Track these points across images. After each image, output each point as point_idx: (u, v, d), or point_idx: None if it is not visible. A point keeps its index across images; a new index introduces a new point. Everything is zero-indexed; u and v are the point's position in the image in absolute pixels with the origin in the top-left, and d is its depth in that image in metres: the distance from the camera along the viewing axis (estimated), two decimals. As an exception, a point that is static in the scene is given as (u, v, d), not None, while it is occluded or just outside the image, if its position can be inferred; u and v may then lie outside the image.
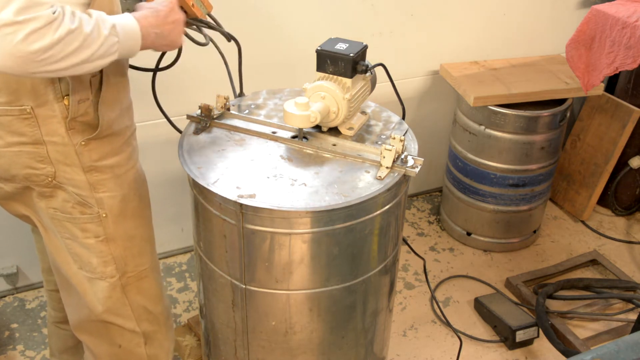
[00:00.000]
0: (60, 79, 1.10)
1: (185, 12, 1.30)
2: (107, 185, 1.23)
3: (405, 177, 1.35)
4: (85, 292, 1.31)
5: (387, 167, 1.31)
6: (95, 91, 1.17)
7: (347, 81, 1.39)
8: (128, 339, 1.39)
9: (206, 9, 1.37)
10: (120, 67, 1.22)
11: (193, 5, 1.30)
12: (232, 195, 1.23)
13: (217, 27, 1.41)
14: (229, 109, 1.53)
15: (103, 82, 1.17)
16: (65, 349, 1.72)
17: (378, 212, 1.32)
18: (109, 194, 1.24)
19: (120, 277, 1.31)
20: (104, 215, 1.24)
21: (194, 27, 1.39)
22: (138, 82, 2.02)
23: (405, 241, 1.61)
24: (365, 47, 1.41)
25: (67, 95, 1.12)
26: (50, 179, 1.17)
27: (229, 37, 1.45)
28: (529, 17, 2.58)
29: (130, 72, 1.95)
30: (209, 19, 1.40)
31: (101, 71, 1.15)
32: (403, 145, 1.33)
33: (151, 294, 1.39)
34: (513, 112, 2.24)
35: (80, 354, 1.70)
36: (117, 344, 1.38)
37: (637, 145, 2.64)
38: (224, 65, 2.17)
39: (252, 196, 1.23)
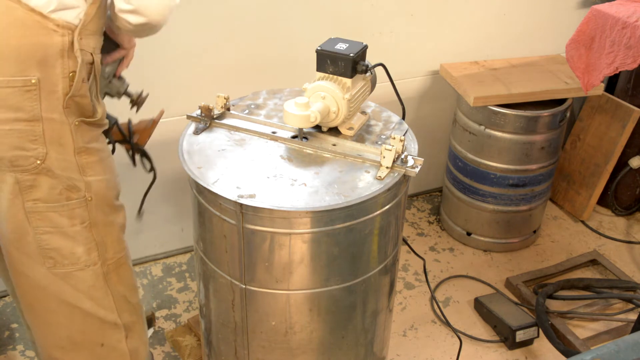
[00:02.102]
0: (69, 55, 1.10)
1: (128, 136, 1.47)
2: (95, 168, 1.21)
3: (405, 177, 1.35)
4: (61, 292, 1.25)
5: (387, 167, 1.31)
6: (91, 80, 1.17)
7: (347, 81, 1.39)
8: (110, 334, 1.34)
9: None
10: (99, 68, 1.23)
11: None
12: (232, 195, 1.23)
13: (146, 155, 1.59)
14: (229, 109, 1.53)
15: (94, 75, 1.18)
16: None
17: (378, 212, 1.32)
18: (96, 178, 1.22)
19: (102, 265, 1.27)
20: (89, 199, 1.21)
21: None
22: (138, 82, 2.02)
23: (405, 241, 1.61)
24: (365, 47, 1.41)
25: (74, 71, 1.11)
26: (39, 162, 1.12)
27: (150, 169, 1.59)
28: (529, 17, 2.58)
29: (129, 72, 1.95)
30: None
31: (92, 64, 1.17)
32: (403, 145, 1.33)
33: (129, 282, 1.36)
34: (513, 112, 2.24)
35: None
36: (99, 343, 1.33)
37: (637, 145, 2.64)
38: (224, 66, 2.18)
39: (252, 196, 1.23)
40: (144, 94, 1.54)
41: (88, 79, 1.15)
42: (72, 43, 1.09)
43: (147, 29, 1.18)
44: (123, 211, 1.36)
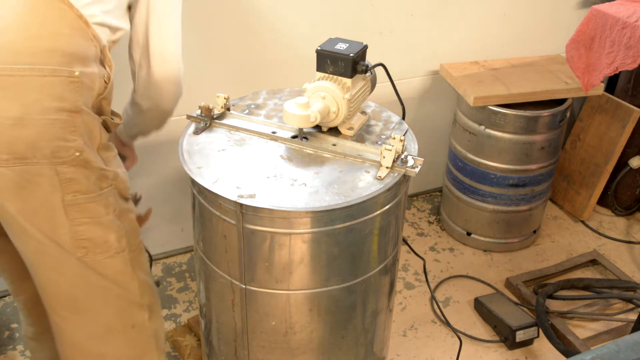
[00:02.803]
0: (102, 62, 1.21)
1: None
2: (113, 162, 1.27)
3: (405, 177, 1.35)
4: (96, 280, 1.27)
5: (387, 167, 1.31)
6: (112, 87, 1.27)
7: (347, 81, 1.39)
8: (138, 316, 1.38)
9: None
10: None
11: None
12: (232, 195, 1.23)
13: None
14: (229, 109, 1.53)
15: (112, 84, 1.29)
16: (56, 357, 1.60)
17: (378, 212, 1.32)
18: (118, 170, 1.28)
19: (128, 251, 1.31)
20: (114, 187, 1.27)
21: None
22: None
23: (405, 241, 1.61)
24: (365, 47, 1.41)
25: (108, 76, 1.22)
26: (78, 153, 1.15)
27: None
28: (529, 17, 2.58)
29: (129, 72, 1.96)
30: None
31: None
32: (403, 145, 1.34)
33: (145, 266, 1.40)
34: (513, 112, 2.24)
35: None
36: (130, 325, 1.36)
37: (637, 145, 2.64)
38: (224, 66, 2.18)
39: (252, 196, 1.23)
40: (138, 195, 1.69)
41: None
42: (101, 55, 1.21)
43: (157, 115, 1.47)
44: (132, 201, 1.42)
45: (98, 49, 1.19)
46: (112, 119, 1.28)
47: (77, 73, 1.13)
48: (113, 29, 1.25)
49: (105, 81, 1.21)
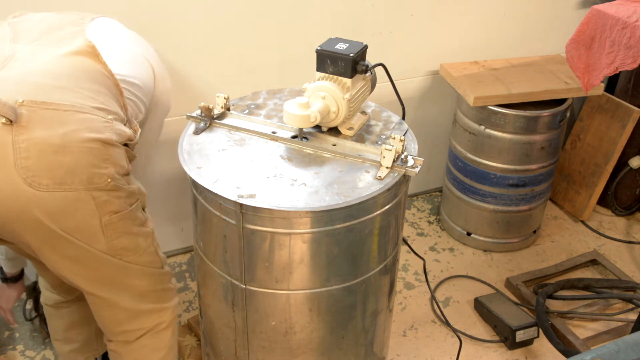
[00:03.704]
0: (131, 125, 1.42)
1: None
2: (133, 181, 1.40)
3: (405, 177, 1.35)
4: (129, 267, 1.39)
5: (387, 167, 1.31)
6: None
7: (347, 81, 1.39)
8: (166, 280, 1.53)
9: None
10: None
11: None
12: (232, 195, 1.23)
13: None
14: (229, 109, 1.53)
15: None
16: (71, 325, 1.77)
17: (378, 212, 1.32)
18: (137, 185, 1.40)
19: (152, 243, 1.46)
20: (139, 202, 1.40)
21: None
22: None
23: (405, 241, 1.61)
24: (365, 47, 1.41)
25: (125, 111, 1.40)
26: (109, 180, 1.26)
27: None
28: (529, 17, 2.58)
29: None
30: None
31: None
32: (403, 145, 1.33)
33: (159, 245, 1.53)
34: (513, 112, 2.24)
35: (89, 325, 1.76)
36: (160, 289, 1.51)
37: (637, 145, 2.64)
38: (224, 66, 2.18)
39: (252, 196, 1.23)
40: None
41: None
42: (129, 122, 1.43)
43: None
44: None
45: (125, 116, 1.38)
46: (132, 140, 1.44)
47: (110, 117, 1.30)
48: (131, 124, 1.45)
49: (134, 131, 1.41)
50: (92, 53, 1.33)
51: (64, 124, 1.20)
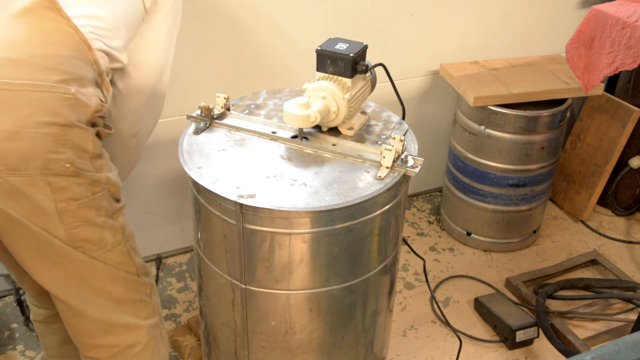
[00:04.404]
0: (98, 84, 1.26)
1: None
2: (106, 167, 1.31)
3: (405, 177, 1.35)
4: (98, 267, 1.33)
5: (387, 167, 1.31)
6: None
7: (347, 81, 1.39)
8: (144, 291, 1.46)
9: None
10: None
11: None
12: (232, 195, 1.23)
13: None
14: (229, 109, 1.53)
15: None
16: (65, 340, 1.69)
17: (378, 212, 1.32)
18: (110, 173, 1.32)
19: (124, 243, 1.38)
20: (107, 190, 1.31)
21: None
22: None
23: (405, 241, 1.61)
24: (365, 47, 1.41)
25: (105, 95, 1.27)
26: (68, 165, 1.20)
27: None
28: (529, 17, 2.58)
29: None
30: None
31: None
32: (403, 145, 1.33)
33: (137, 250, 1.46)
34: (513, 112, 2.24)
35: None
36: (138, 300, 1.44)
37: (637, 145, 2.64)
38: (224, 66, 2.18)
39: (252, 196, 1.23)
40: None
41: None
42: (100, 79, 1.27)
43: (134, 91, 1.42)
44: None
45: (97, 72, 1.24)
46: (105, 129, 1.32)
47: (72, 90, 1.17)
48: (112, 59, 1.30)
49: (102, 100, 1.25)
50: (51, 7, 1.15)
51: (17, 107, 1.12)
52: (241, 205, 1.23)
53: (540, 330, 2.07)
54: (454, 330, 1.90)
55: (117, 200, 1.37)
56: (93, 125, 1.27)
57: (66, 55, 1.17)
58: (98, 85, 1.26)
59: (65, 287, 1.34)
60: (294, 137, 1.43)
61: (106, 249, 1.33)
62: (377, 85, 1.55)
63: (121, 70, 1.37)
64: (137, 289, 1.43)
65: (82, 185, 1.24)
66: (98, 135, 1.30)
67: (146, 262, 2.35)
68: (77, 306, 1.37)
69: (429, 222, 2.73)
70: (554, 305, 2.23)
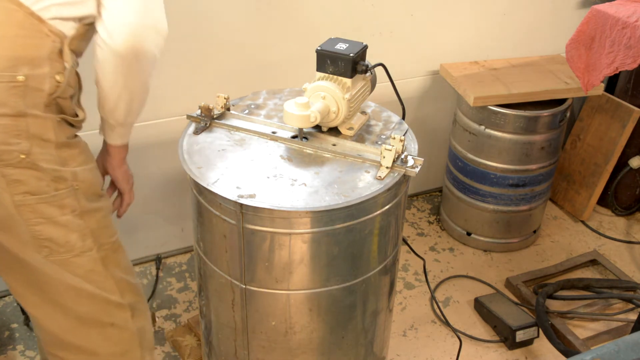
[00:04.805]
0: (57, 57, 1.15)
1: None
2: (78, 159, 1.24)
3: (405, 177, 1.35)
4: (63, 276, 1.27)
5: (387, 167, 1.31)
6: (77, 84, 1.23)
7: (347, 81, 1.39)
8: (117, 314, 1.37)
9: None
10: None
11: None
12: (232, 195, 1.23)
13: None
14: (229, 109, 1.53)
15: (80, 83, 1.25)
16: None
17: (378, 212, 1.32)
18: (81, 167, 1.24)
19: (98, 250, 1.29)
20: (77, 187, 1.23)
21: None
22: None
23: (405, 241, 1.61)
24: (365, 47, 1.41)
25: (61, 73, 1.16)
26: (23, 156, 1.14)
27: None
28: (529, 17, 2.58)
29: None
30: None
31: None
32: (403, 145, 1.33)
33: (125, 265, 1.39)
34: (513, 112, 2.24)
35: None
36: (109, 324, 1.36)
37: (637, 145, 2.64)
38: (224, 66, 2.18)
39: (252, 196, 1.23)
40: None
41: (76, 84, 1.21)
42: (61, 50, 1.15)
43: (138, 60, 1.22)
44: (107, 197, 1.39)
45: (57, 43, 1.14)
46: (76, 115, 1.24)
47: (20, 77, 1.10)
48: (77, 19, 1.17)
49: (57, 80, 1.15)
50: None
51: None
52: (241, 205, 1.23)
53: (540, 330, 2.07)
54: (454, 330, 1.90)
55: (95, 198, 1.29)
56: (60, 110, 1.19)
57: (9, 36, 1.09)
58: (59, 55, 1.16)
59: (25, 295, 1.29)
60: (294, 137, 1.43)
61: (74, 253, 1.26)
62: (377, 85, 1.55)
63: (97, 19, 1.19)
64: (108, 311, 1.33)
65: (42, 180, 1.18)
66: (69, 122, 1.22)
67: (146, 262, 2.37)
68: (35, 315, 1.32)
69: (429, 222, 2.72)
70: (554, 305, 2.23)
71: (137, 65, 1.20)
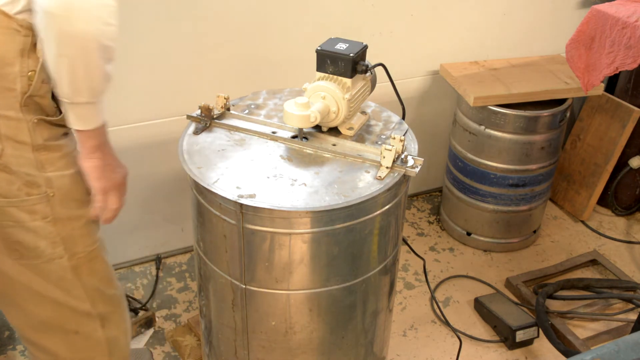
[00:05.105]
0: (30, 54, 1.09)
1: None
2: (57, 164, 1.19)
3: (405, 177, 1.35)
4: (30, 281, 1.25)
5: (387, 167, 1.31)
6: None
7: (347, 81, 1.39)
8: (84, 323, 1.34)
9: None
10: None
11: None
12: (232, 195, 1.23)
13: None
14: (229, 109, 1.53)
15: None
16: None
17: (378, 212, 1.32)
18: (58, 173, 1.19)
19: (69, 258, 1.26)
20: (51, 194, 1.19)
21: None
22: (138, 82, 2.03)
23: (405, 241, 1.61)
24: (365, 47, 1.41)
25: (34, 70, 1.10)
26: None
27: None
28: (529, 17, 2.58)
29: (129, 71, 1.95)
30: None
31: None
32: (403, 145, 1.33)
33: (102, 274, 1.35)
34: (513, 112, 2.24)
35: None
36: (73, 331, 1.33)
37: (637, 145, 2.64)
38: (224, 66, 2.18)
39: (252, 196, 1.23)
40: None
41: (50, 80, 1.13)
42: (34, 44, 1.09)
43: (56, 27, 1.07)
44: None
45: (29, 37, 1.08)
46: (59, 113, 1.18)
47: None
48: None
49: (30, 78, 1.10)
50: None
51: None
52: (241, 205, 1.23)
53: (540, 330, 2.07)
54: (454, 330, 1.90)
55: (76, 206, 1.24)
56: (41, 110, 1.14)
57: None
58: (32, 50, 1.10)
59: None
60: (294, 137, 1.43)
61: (43, 260, 1.23)
62: (377, 85, 1.55)
63: None
64: (73, 318, 1.31)
65: (13, 184, 1.14)
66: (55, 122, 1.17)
67: (146, 262, 2.37)
68: (5, 310, 1.31)
69: (429, 222, 2.72)
70: (554, 305, 2.23)
71: (71, 27, 1.05)
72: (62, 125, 1.19)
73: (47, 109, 1.16)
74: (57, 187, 1.19)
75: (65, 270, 1.26)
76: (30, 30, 1.08)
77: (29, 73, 1.10)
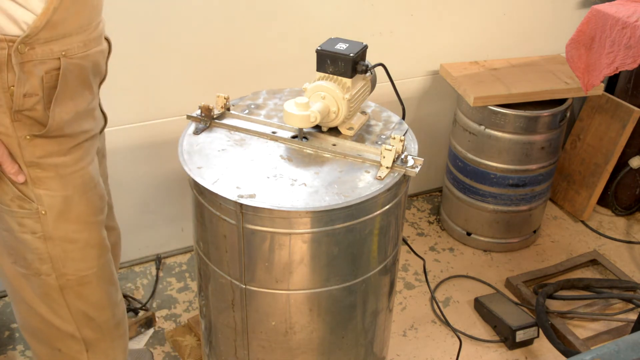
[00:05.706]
0: (8, 68, 1.04)
1: None
2: (49, 183, 1.17)
3: (405, 177, 1.35)
4: (21, 288, 1.26)
5: (387, 167, 1.31)
6: (49, 89, 1.11)
7: (347, 81, 1.39)
8: (67, 344, 1.33)
9: None
10: (82, 72, 1.17)
11: None
12: (232, 195, 1.23)
13: None
14: (229, 109, 1.53)
15: (60, 82, 1.11)
16: None
17: (378, 212, 1.32)
18: (49, 193, 1.18)
19: (57, 278, 1.25)
20: (43, 212, 1.18)
21: None
22: (138, 82, 2.03)
23: (405, 241, 1.61)
24: (365, 47, 1.41)
25: (14, 85, 1.06)
26: None
27: None
28: (529, 17, 2.58)
29: (129, 71, 1.95)
30: None
31: (59, 70, 1.10)
32: (403, 145, 1.33)
33: (93, 301, 1.33)
34: (513, 112, 2.24)
35: None
36: (56, 348, 1.33)
37: (637, 145, 2.64)
38: (224, 66, 2.18)
39: (252, 196, 1.23)
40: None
41: (42, 90, 1.09)
42: (10, 56, 1.04)
43: None
44: (101, 230, 1.31)
45: (5, 50, 1.04)
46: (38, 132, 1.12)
47: None
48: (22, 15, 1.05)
49: (11, 94, 1.06)
50: None
51: None
52: (241, 205, 1.23)
53: (540, 330, 2.07)
54: (454, 330, 1.90)
55: (75, 229, 1.23)
56: (34, 123, 1.11)
57: None
58: (9, 63, 1.05)
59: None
60: (294, 137, 1.43)
61: (30, 272, 1.23)
62: (377, 85, 1.55)
63: None
64: (57, 336, 1.31)
65: (6, 194, 1.14)
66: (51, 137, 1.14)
67: (146, 262, 2.37)
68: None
69: (429, 222, 2.72)
70: (554, 305, 2.23)
71: None
72: (58, 136, 1.15)
73: (42, 121, 1.12)
74: (48, 206, 1.18)
75: (51, 288, 1.25)
76: (5, 42, 1.04)
77: (10, 88, 1.06)
